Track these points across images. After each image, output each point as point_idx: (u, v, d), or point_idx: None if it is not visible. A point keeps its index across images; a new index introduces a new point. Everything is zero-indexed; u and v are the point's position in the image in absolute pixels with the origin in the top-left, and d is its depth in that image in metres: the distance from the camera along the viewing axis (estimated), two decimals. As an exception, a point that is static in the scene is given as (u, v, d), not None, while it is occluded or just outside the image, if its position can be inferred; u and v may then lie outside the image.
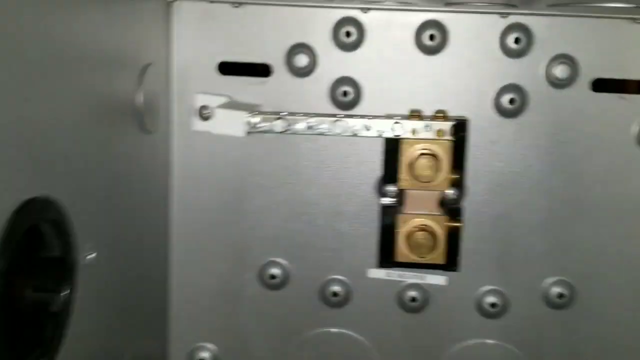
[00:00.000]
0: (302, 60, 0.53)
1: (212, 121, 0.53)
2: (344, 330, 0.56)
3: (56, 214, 0.35)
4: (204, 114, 0.53)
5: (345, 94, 0.53)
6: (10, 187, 0.31)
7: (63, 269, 0.37)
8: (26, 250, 0.34)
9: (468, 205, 0.53)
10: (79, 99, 0.39)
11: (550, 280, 0.54)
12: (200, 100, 0.53)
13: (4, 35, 0.30)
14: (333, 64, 0.53)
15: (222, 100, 0.53)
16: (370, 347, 0.56)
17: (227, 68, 0.54)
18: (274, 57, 0.53)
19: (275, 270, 0.55)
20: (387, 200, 0.52)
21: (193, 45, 0.53)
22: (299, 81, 0.53)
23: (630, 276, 0.53)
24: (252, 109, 0.52)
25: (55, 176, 0.36)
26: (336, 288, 0.55)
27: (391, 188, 0.51)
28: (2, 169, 0.30)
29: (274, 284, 0.56)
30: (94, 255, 0.40)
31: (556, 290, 0.54)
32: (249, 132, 0.52)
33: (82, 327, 0.39)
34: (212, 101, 0.53)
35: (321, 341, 0.56)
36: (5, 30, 0.30)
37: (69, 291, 0.37)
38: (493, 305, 0.54)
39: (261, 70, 0.54)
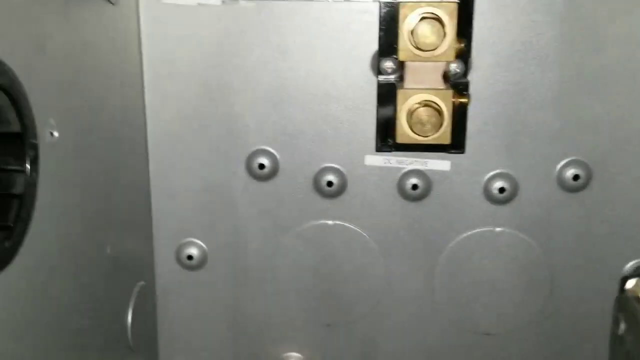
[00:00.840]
0: None
1: (185, -7, 0.47)
2: (339, 222, 0.52)
3: (8, 80, 0.30)
4: (176, -15, 0.47)
5: (335, -42, 0.47)
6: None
7: (23, 145, 0.32)
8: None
9: (474, 81, 0.48)
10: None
11: (564, 160, 0.50)
12: (172, -31, 0.47)
13: None
14: None
15: (197, -31, 0.47)
16: (369, 239, 0.53)
17: None
18: None
19: (263, 160, 0.51)
20: (384, 77, 0.47)
21: None
22: (282, -54, 0.47)
23: (649, 153, 0.49)
24: (230, -23, 0.46)
25: (6, 39, 0.31)
26: (330, 177, 0.51)
27: (389, 62, 0.46)
28: None
29: (263, 175, 0.51)
30: (56, 134, 0.36)
31: (570, 171, 0.50)
32: (223, 1, 0.46)
33: (50, 213, 0.35)
34: (185, -30, 0.47)
35: (317, 234, 0.53)
36: None
37: (31, 171, 0.33)
38: (501, 190, 0.51)
39: None
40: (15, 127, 0.32)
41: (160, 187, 0.52)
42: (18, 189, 0.33)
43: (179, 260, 0.54)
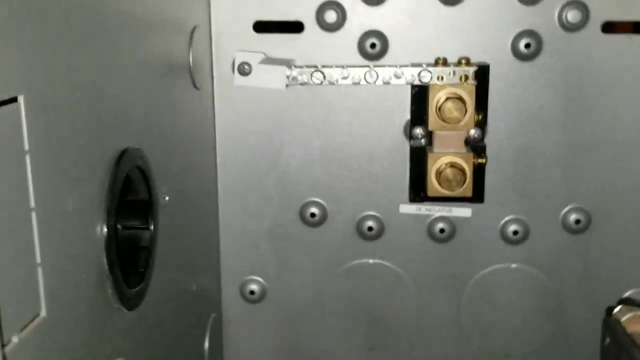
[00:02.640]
0: (331, 16, 0.57)
1: (251, 76, 0.57)
2: (379, 261, 0.62)
3: (142, 162, 0.40)
4: (244, 70, 0.58)
5: (373, 46, 0.57)
6: (108, 140, 0.36)
7: (149, 209, 0.42)
8: (121, 195, 0.39)
9: (489, 142, 0.58)
10: (147, 62, 0.43)
11: (567, 208, 0.59)
12: (240, 57, 0.58)
13: (80, 10, 0.35)
14: (360, 18, 0.57)
15: (260, 56, 0.58)
16: (404, 275, 0.62)
17: (262, 27, 0.58)
18: (305, 14, 0.57)
19: (314, 210, 0.61)
20: (415, 141, 0.57)
21: (229, 8, 0.58)
22: (329, 35, 0.58)
23: (638, 201, 0.59)
24: (288, 64, 0.57)
25: (137, 129, 0.41)
26: (371, 223, 0.61)
27: (419, 130, 0.56)
28: (99, 125, 0.35)
29: (314, 222, 0.61)
30: (167, 198, 0.46)
31: (573, 216, 0.59)
32: (287, 85, 0.57)
33: (161, 259, 0.45)
34: (251, 58, 0.57)
35: (359, 271, 0.62)
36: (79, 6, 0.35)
37: (153, 228, 0.43)
38: (515, 232, 0.60)
39: (294, 27, 0.58)
40: (144, 195, 0.43)
41: (228, 233, 0.62)
42: (144, 242, 0.43)
43: (242, 294, 0.64)
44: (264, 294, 0.63)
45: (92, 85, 0.34)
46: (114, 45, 0.37)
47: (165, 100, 0.47)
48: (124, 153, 0.37)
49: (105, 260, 0.35)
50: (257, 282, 0.63)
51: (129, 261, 0.41)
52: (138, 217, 0.43)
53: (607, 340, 0.37)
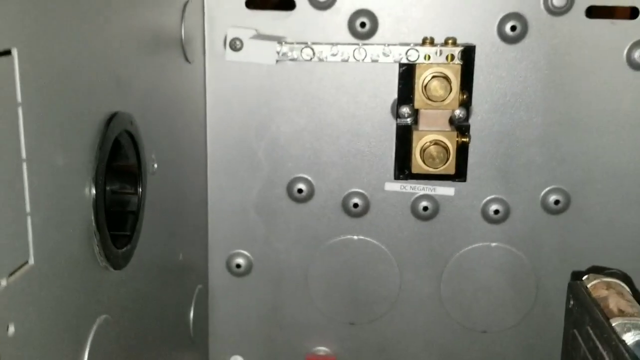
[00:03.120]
0: (323, -7, 0.58)
1: (243, 51, 0.58)
2: (363, 237, 0.63)
3: (132, 127, 0.41)
4: (235, 45, 0.59)
5: (362, 25, 0.58)
6: (99, 102, 0.37)
7: (138, 175, 0.43)
8: (110, 159, 0.40)
9: (474, 123, 0.59)
10: (138, 35, 0.44)
11: (547, 188, 0.61)
12: (232, 32, 0.58)
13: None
14: (351, -3, 0.58)
15: (252, 32, 0.58)
16: (387, 252, 0.63)
17: (254, 3, 0.59)
18: (298, -8, 0.58)
19: (302, 185, 0.62)
20: (402, 120, 0.58)
21: (223, -18, 0.58)
22: (320, 14, 0.59)
23: (617, 183, 0.60)
24: (279, 40, 0.58)
25: (128, 95, 0.42)
26: (356, 200, 0.62)
27: (406, 109, 0.58)
28: (90, 86, 0.36)
29: (301, 198, 0.62)
30: (156, 166, 0.47)
31: (553, 197, 0.61)
32: (277, 60, 0.58)
33: (149, 225, 0.46)
34: (243, 33, 0.58)
35: (344, 247, 0.63)
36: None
37: (141, 193, 0.44)
38: (496, 212, 0.61)
39: (285, 4, 0.59)
40: (133, 161, 0.44)
41: (216, 206, 0.63)
42: (132, 207, 0.44)
43: (228, 267, 0.65)
44: (250, 267, 0.65)
45: (85, 47, 0.35)
46: (108, 11, 0.38)
47: (156, 71, 0.48)
48: (114, 116, 0.38)
49: (93, 218, 0.36)
50: (243, 255, 0.64)
51: (116, 224, 0.43)
52: (127, 182, 0.44)
53: (572, 302, 0.38)
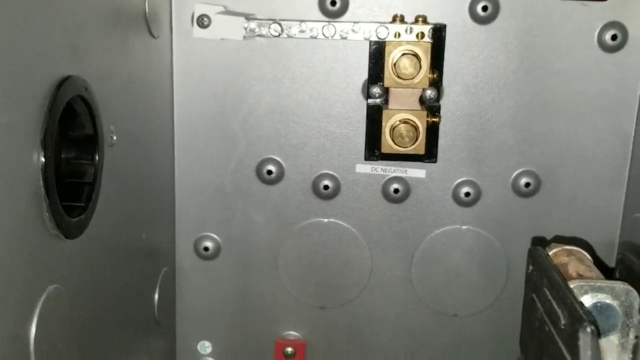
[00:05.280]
0: (293, -29, 0.57)
1: (211, 28, 0.57)
2: (334, 220, 0.62)
3: (87, 93, 0.40)
4: (203, 22, 0.58)
5: (333, 3, 0.58)
6: (51, 65, 0.36)
7: (95, 145, 0.42)
8: (66, 126, 0.39)
9: (445, 104, 0.58)
10: (99, 4, 0.43)
11: (518, 171, 0.60)
12: (200, 9, 0.57)
13: None
14: (322, -26, 0.57)
15: (219, 9, 0.57)
16: (358, 234, 0.63)
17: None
18: (268, -31, 0.57)
19: (271, 167, 0.61)
20: (373, 100, 0.57)
21: (192, -42, 0.57)
22: (290, -8, 0.58)
23: (587, 166, 0.60)
24: (247, 16, 0.57)
25: (85, 63, 0.41)
26: (327, 182, 0.61)
27: (376, 88, 0.57)
28: (42, 47, 0.35)
29: (271, 179, 0.61)
30: (115, 137, 0.46)
31: (523, 180, 0.60)
32: (245, 37, 0.57)
33: (107, 198, 0.45)
34: (211, 10, 0.57)
35: (314, 230, 0.63)
36: None
37: (98, 164, 0.43)
38: (467, 194, 0.61)
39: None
40: (90, 130, 0.42)
41: (184, 188, 0.62)
42: (89, 178, 0.43)
43: (196, 251, 0.64)
44: (218, 250, 0.64)
45: (39, 9, 0.34)
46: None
47: (118, 43, 0.47)
48: (65, 80, 0.37)
49: (42, 184, 0.35)
50: (211, 238, 0.63)
51: (72, 194, 0.41)
52: (83, 152, 0.42)
53: (531, 267, 0.38)
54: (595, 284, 0.32)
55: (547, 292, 0.33)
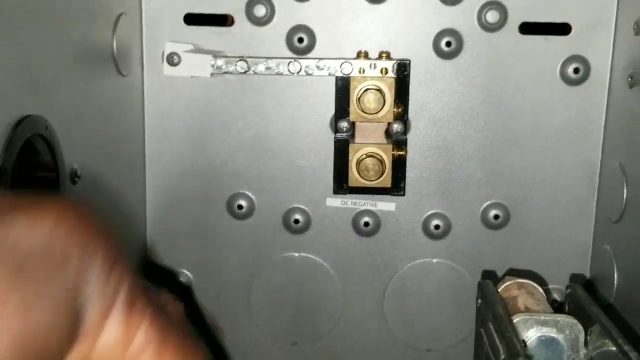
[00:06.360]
0: (260, 10, 0.58)
1: (180, 66, 0.58)
2: (305, 254, 0.62)
3: (47, 131, 0.41)
4: (173, 60, 0.58)
5: (300, 40, 0.59)
6: (9, 105, 0.37)
7: (57, 184, 0.42)
8: (25, 169, 0.39)
9: (412, 138, 0.59)
10: (64, 43, 0.44)
11: (486, 203, 0.61)
12: (169, 47, 0.58)
13: None
14: (288, 13, 0.59)
15: (189, 47, 0.58)
16: (329, 269, 0.63)
17: (193, 19, 0.59)
18: (235, 8, 0.59)
19: (242, 202, 0.61)
20: (340, 134, 0.58)
21: (161, -2, 0.59)
22: (258, 30, 0.59)
23: (556, 197, 0.60)
24: (214, 54, 0.58)
25: (47, 103, 0.41)
26: (297, 216, 0.62)
27: (344, 123, 0.58)
28: (5, 90, 0.36)
29: (241, 214, 0.62)
30: (80, 175, 0.46)
31: (492, 212, 0.61)
32: (213, 74, 0.57)
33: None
34: (180, 48, 0.58)
35: (285, 265, 0.63)
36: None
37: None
38: (437, 227, 0.61)
39: (223, 20, 0.59)
40: (51, 172, 0.43)
41: (155, 223, 0.62)
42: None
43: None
44: (189, 287, 0.63)
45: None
46: (32, 19, 0.38)
47: (83, 81, 0.48)
48: (24, 119, 0.38)
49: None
50: (182, 274, 0.63)
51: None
52: (43, 190, 0.43)
53: (479, 301, 0.38)
54: (539, 318, 0.32)
55: (491, 326, 0.33)
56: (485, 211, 0.61)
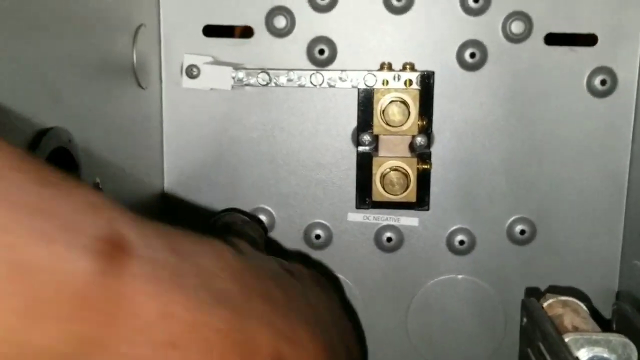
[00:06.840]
0: (280, 21, 0.58)
1: (199, 78, 0.57)
2: (327, 271, 0.61)
3: (70, 144, 0.40)
4: (192, 72, 0.58)
5: (321, 52, 0.58)
6: (33, 116, 0.36)
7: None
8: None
9: (436, 151, 0.58)
10: (86, 55, 0.43)
11: (512, 218, 0.59)
12: (188, 60, 0.58)
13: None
14: (310, 24, 0.58)
15: (208, 59, 0.58)
16: (352, 285, 0.61)
17: (212, 30, 0.58)
18: (255, 19, 0.58)
19: (262, 217, 0.60)
20: (362, 147, 0.57)
21: (179, 9, 0.58)
22: (278, 41, 0.58)
23: (582, 211, 0.59)
24: (235, 66, 0.57)
25: (70, 115, 0.40)
26: (318, 231, 0.60)
27: (366, 136, 0.57)
28: (28, 101, 0.35)
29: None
30: (101, 188, 0.45)
31: (518, 227, 0.59)
32: (234, 86, 0.56)
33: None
34: (199, 60, 0.57)
35: (306, 281, 0.61)
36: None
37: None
38: (461, 242, 0.60)
39: (243, 32, 0.59)
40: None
41: (173, 240, 0.61)
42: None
43: (186, 304, 0.62)
44: (208, 303, 0.62)
45: (21, 62, 0.34)
46: (53, 30, 0.37)
47: (104, 94, 0.47)
48: (47, 130, 0.37)
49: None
50: (201, 290, 0.62)
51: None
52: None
53: (524, 320, 0.36)
54: (591, 337, 0.30)
55: (542, 346, 0.32)
56: (511, 226, 0.59)
